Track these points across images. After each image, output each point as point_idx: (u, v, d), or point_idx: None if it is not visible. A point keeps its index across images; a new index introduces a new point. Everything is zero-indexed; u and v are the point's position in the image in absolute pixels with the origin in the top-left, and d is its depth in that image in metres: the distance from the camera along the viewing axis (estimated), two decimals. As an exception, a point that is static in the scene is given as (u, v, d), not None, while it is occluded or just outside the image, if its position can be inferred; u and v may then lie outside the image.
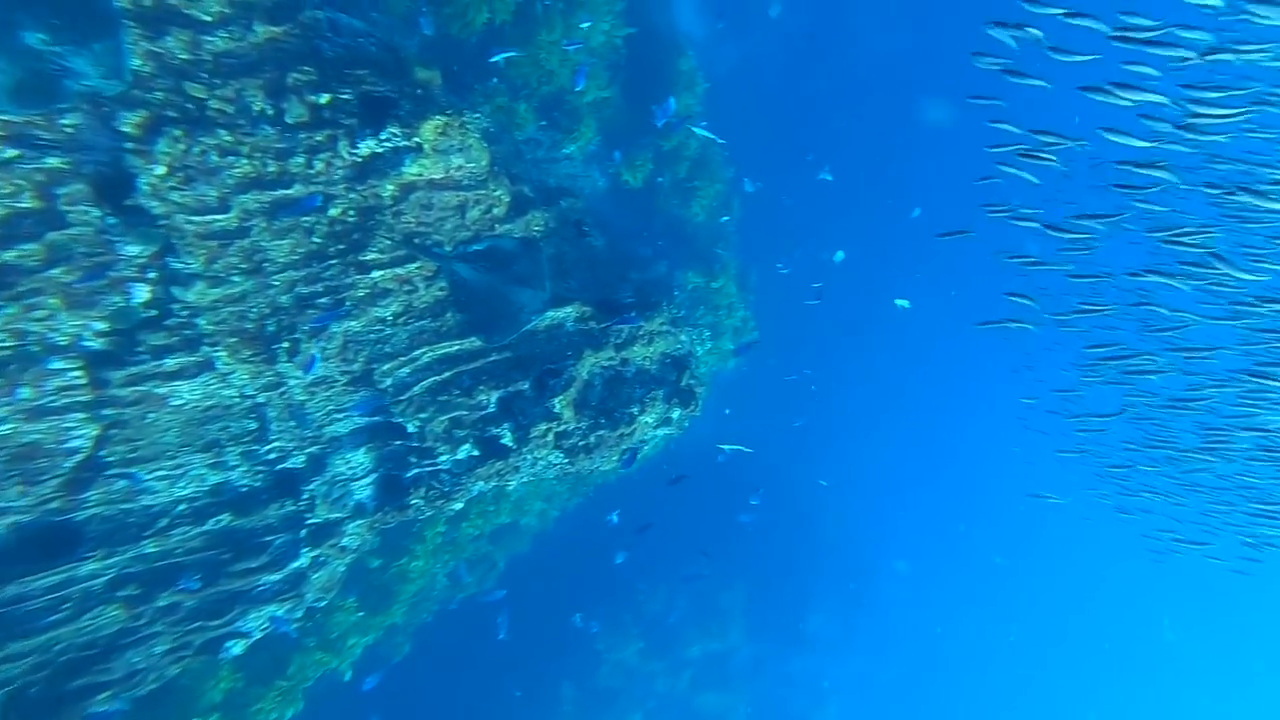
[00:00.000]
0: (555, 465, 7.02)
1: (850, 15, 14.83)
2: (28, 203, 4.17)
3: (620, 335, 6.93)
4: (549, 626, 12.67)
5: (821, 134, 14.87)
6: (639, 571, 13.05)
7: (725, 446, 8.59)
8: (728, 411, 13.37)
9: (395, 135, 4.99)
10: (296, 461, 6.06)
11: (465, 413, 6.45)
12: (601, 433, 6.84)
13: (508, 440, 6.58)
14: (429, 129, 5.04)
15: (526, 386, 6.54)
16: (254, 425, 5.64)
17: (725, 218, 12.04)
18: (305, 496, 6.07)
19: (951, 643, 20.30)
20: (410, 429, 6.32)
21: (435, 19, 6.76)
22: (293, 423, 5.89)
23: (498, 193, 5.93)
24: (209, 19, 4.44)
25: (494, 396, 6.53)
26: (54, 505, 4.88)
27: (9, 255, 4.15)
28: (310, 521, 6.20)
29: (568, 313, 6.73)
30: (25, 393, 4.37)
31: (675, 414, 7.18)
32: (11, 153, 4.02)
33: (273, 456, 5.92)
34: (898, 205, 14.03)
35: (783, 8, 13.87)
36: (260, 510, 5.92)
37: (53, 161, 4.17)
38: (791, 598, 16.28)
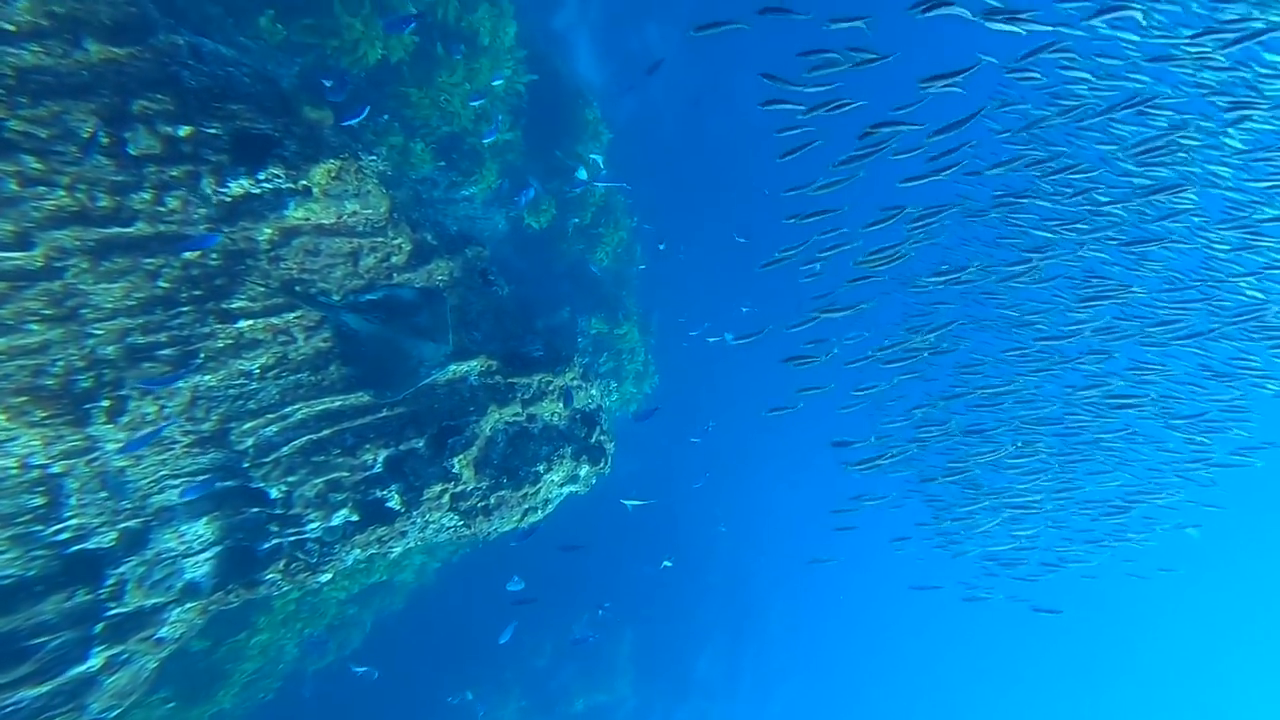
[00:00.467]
0: (449, 529, 6.56)
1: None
2: None
3: (528, 391, 6.76)
4: (421, 691, 11.55)
5: (715, 188, 16.00)
6: (524, 627, 12.45)
7: (629, 502, 8.63)
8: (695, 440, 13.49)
9: (277, 176, 4.52)
10: (102, 540, 4.99)
11: (345, 474, 5.83)
12: (503, 493, 6.55)
13: (394, 503, 6.04)
14: (320, 173, 4.65)
15: (421, 445, 6.10)
16: (38, 501, 4.57)
17: (633, 266, 12.43)
18: (110, 582, 4.98)
19: (838, 676, 21.67)
20: (273, 494, 5.55)
21: (320, 52, 6.35)
22: (104, 494, 4.88)
23: (398, 240, 5.59)
24: (10, 28, 3.73)
25: (381, 455, 6.00)
26: None
27: None
28: (113, 612, 5.08)
29: (472, 366, 6.45)
30: None
31: (583, 471, 7.11)
32: None
33: (64, 537, 4.81)
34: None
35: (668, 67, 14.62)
36: (30, 606, 4.71)
37: None
38: (680, 643, 16.46)
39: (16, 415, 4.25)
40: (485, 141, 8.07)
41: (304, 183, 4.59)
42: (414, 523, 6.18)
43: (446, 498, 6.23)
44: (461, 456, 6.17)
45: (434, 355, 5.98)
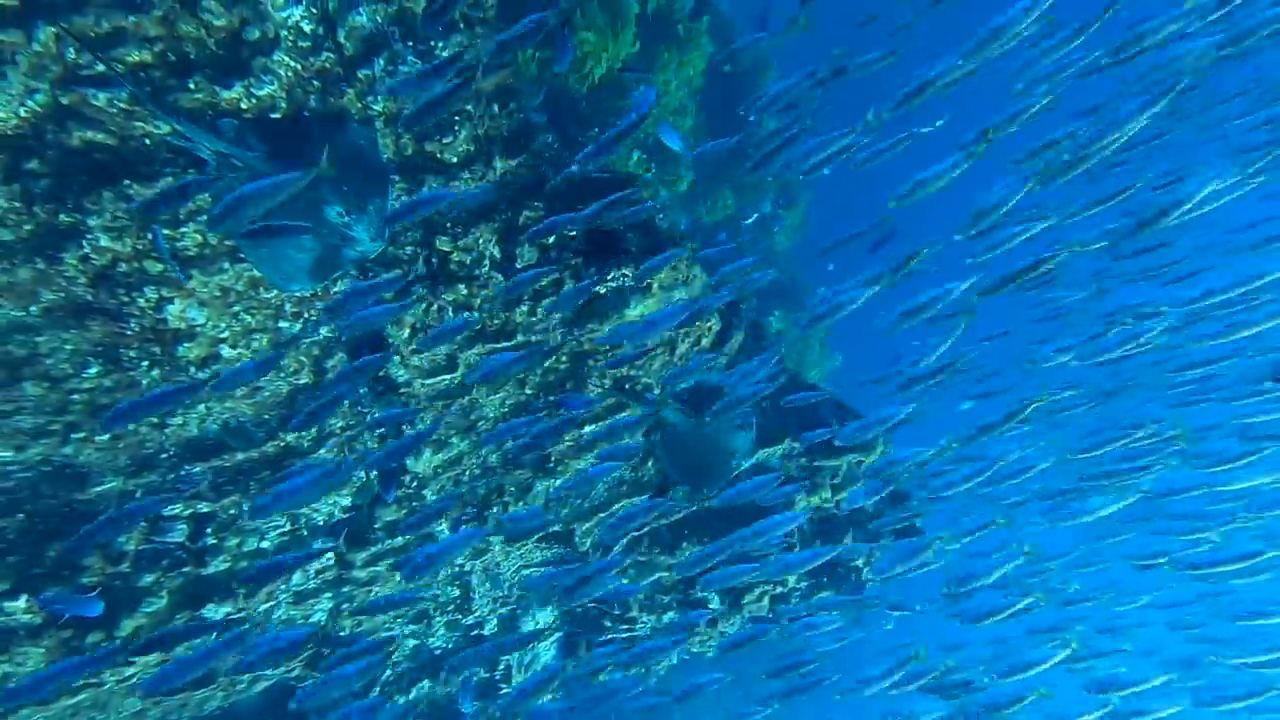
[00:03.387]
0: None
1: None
2: (306, 378, 4.01)
3: (836, 475, 6.05)
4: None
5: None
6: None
7: None
8: None
9: (625, 276, 4.63)
10: (489, 625, 5.44)
11: (666, 573, 5.66)
12: (824, 594, 5.82)
13: (715, 604, 5.70)
14: (665, 269, 4.66)
15: (735, 540, 5.72)
16: (456, 593, 5.10)
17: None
18: (501, 667, 5.38)
19: None
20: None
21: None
22: (489, 584, 5.33)
23: (709, 323, 5.45)
24: (455, 160, 4.33)
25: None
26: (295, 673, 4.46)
27: (289, 438, 3.95)
28: (504, 693, 5.46)
29: (775, 451, 5.97)
30: (295, 579, 4.06)
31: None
32: (297, 327, 3.91)
33: (470, 621, 5.33)
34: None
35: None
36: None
37: (324, 332, 4.03)
38: None
39: (453, 523, 4.85)
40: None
41: (648, 280, 4.65)
42: (733, 623, 5.77)
43: (766, 600, 5.71)
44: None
45: (745, 445, 5.63)
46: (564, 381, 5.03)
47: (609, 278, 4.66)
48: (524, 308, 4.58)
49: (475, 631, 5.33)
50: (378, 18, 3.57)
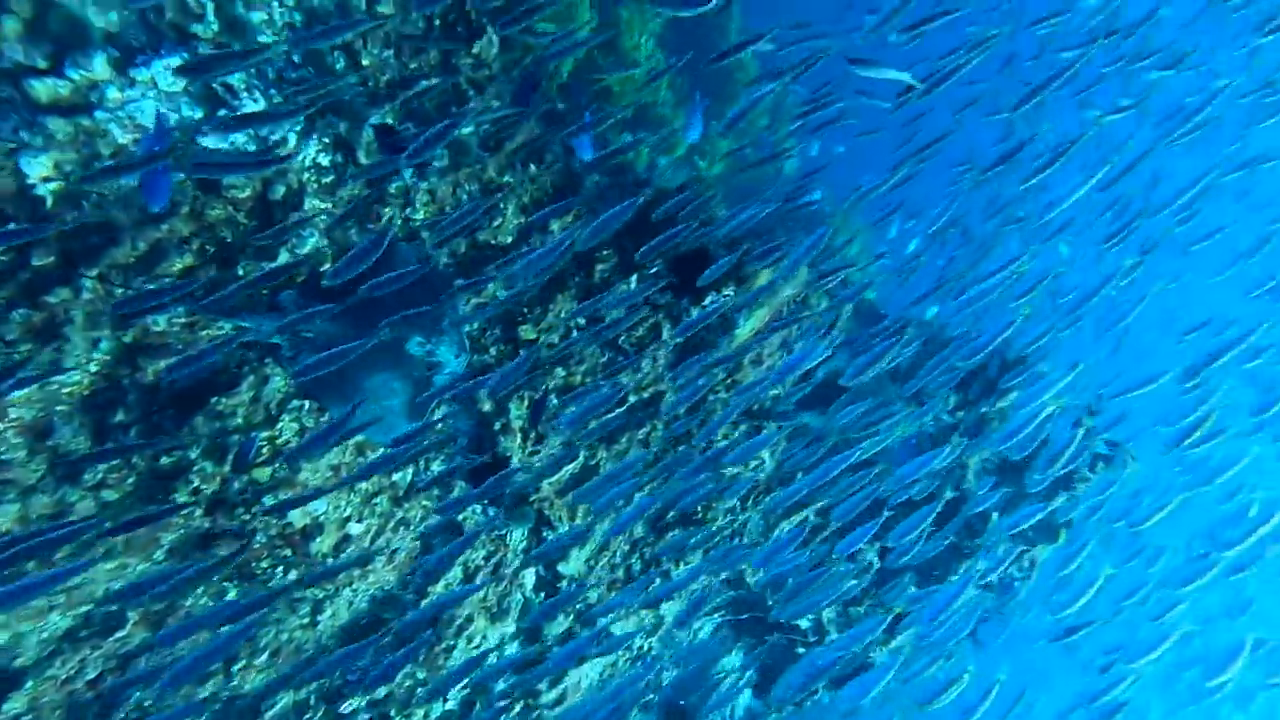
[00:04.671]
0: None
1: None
2: (434, 521, 3.71)
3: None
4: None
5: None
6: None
7: None
8: None
9: (727, 295, 4.16)
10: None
11: (854, 581, 5.18)
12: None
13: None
14: (764, 273, 4.18)
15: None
16: (648, 674, 4.74)
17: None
18: None
19: None
20: (803, 625, 5.16)
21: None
22: (669, 651, 4.97)
23: (820, 303, 4.94)
24: (511, 239, 3.96)
25: (871, 556, 5.27)
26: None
27: (439, 587, 3.67)
28: None
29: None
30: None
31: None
32: (410, 473, 3.64)
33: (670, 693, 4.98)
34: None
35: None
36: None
37: (437, 467, 3.73)
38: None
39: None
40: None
41: (750, 283, 4.16)
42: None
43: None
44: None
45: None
46: (685, 428, 4.60)
47: (707, 303, 4.20)
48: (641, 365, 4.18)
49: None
50: (388, 119, 3.22)
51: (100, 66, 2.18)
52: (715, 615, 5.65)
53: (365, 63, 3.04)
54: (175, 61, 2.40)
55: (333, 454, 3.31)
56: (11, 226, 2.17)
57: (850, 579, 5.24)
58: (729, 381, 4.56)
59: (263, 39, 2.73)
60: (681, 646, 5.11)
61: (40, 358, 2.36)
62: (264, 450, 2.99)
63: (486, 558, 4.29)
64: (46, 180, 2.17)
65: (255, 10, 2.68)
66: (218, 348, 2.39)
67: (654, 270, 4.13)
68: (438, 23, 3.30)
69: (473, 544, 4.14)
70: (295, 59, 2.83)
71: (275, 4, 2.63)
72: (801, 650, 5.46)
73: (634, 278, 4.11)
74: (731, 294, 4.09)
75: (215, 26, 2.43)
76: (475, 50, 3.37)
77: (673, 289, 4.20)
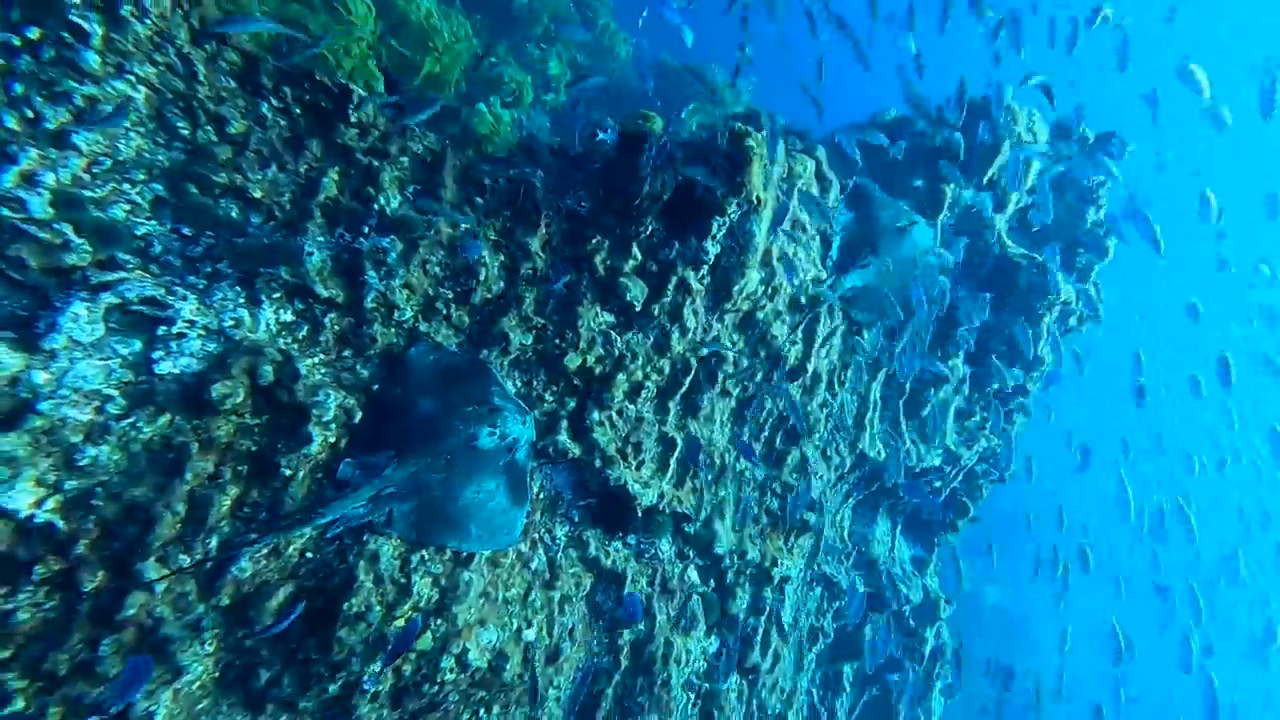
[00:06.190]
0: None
1: None
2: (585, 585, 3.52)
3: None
4: None
5: None
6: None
7: None
8: None
9: (734, 209, 3.80)
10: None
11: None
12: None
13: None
14: (755, 173, 3.80)
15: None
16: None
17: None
18: None
19: None
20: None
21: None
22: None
23: (806, 170, 4.60)
24: (502, 287, 3.59)
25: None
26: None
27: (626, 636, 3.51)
28: None
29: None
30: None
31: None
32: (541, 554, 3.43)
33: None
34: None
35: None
36: None
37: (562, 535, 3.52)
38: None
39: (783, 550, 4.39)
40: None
41: (750, 196, 3.81)
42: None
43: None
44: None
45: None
46: (753, 375, 4.36)
47: (715, 235, 3.86)
48: (673, 331, 3.89)
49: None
50: (328, 254, 2.82)
51: (7, 358, 1.81)
52: (849, 500, 5.62)
53: (258, 195, 2.62)
54: (79, 307, 2.02)
55: (475, 582, 3.07)
56: (39, 570, 1.85)
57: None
58: (769, 290, 4.28)
59: (140, 229, 2.32)
60: (837, 543, 5.07)
61: (153, 675, 2.09)
62: (409, 618, 2.76)
63: (650, 580, 4.14)
64: (40, 504, 1.84)
65: (113, 208, 2.26)
66: (318, 562, 2.11)
67: (650, 230, 3.79)
68: (297, 110, 2.86)
69: (633, 579, 3.98)
70: (185, 230, 2.42)
71: (130, 190, 2.21)
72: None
73: (634, 247, 3.77)
74: (734, 205, 3.74)
75: (86, 250, 2.03)
76: (354, 119, 2.93)
77: (677, 238, 3.87)
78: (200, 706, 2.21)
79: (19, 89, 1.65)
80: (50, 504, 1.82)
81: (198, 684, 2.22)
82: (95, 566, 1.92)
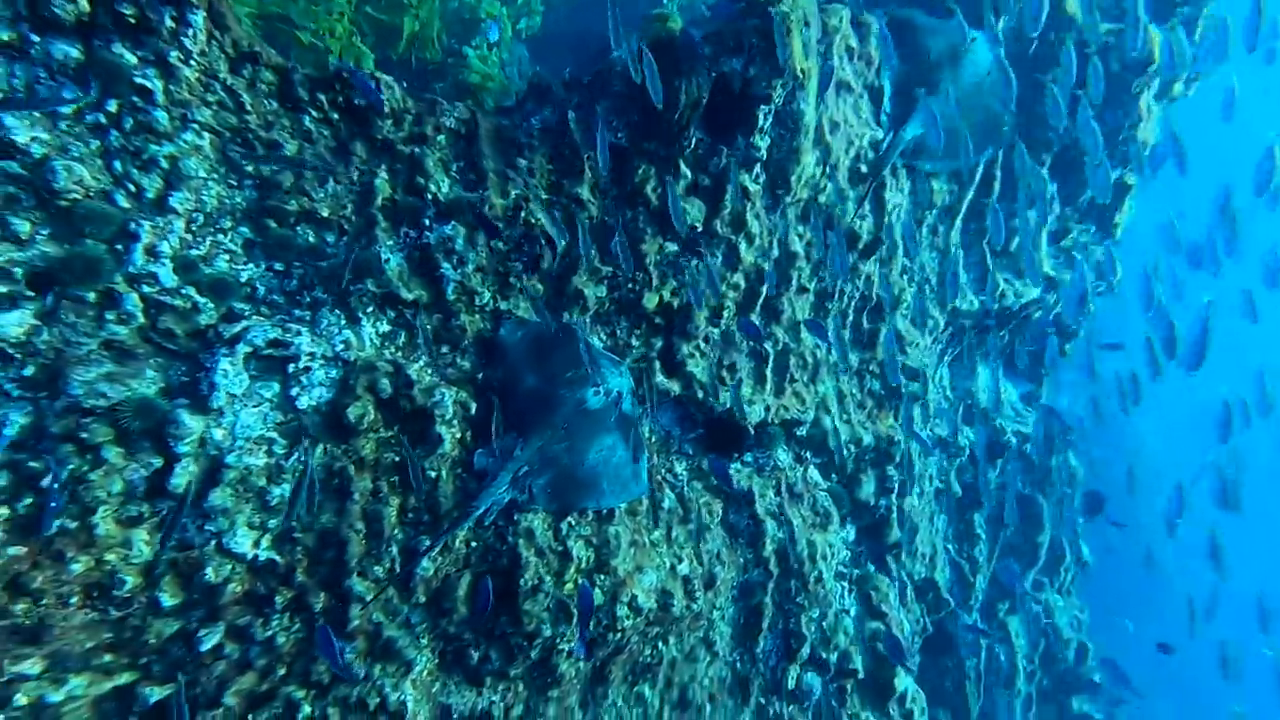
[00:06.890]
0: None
1: None
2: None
3: None
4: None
5: None
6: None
7: None
8: None
9: (779, 93, 3.50)
10: None
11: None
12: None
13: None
14: (794, 43, 3.48)
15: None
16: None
17: None
18: None
19: None
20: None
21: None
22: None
23: (873, 22, 4.17)
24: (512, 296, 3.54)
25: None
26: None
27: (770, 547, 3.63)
28: None
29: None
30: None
31: None
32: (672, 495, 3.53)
33: None
34: None
35: None
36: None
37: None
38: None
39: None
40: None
41: (796, 69, 3.50)
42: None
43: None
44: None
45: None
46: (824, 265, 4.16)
47: (763, 128, 3.60)
48: (741, 245, 3.75)
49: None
50: (401, 256, 2.81)
51: (189, 422, 1.93)
52: (944, 358, 5.46)
53: (326, 214, 2.62)
54: (224, 363, 2.11)
55: (622, 534, 3.21)
56: (279, 599, 2.05)
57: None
58: (826, 169, 4.03)
59: (244, 275, 2.37)
60: (943, 403, 4.98)
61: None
62: (578, 581, 2.93)
63: (776, 490, 4.21)
64: (257, 544, 2.01)
65: (217, 260, 2.31)
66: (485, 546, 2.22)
67: (694, 143, 3.58)
68: (335, 116, 2.79)
69: (760, 493, 4.07)
70: (277, 266, 2.47)
71: (225, 240, 2.25)
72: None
73: (681, 165, 3.59)
74: (779, 87, 3.46)
75: (211, 307, 2.10)
76: (386, 109, 2.84)
77: (723, 142, 3.64)
78: (434, 689, 2.46)
79: (119, 167, 1.68)
80: (265, 543, 1.99)
81: (426, 672, 2.46)
82: (316, 589, 2.11)
